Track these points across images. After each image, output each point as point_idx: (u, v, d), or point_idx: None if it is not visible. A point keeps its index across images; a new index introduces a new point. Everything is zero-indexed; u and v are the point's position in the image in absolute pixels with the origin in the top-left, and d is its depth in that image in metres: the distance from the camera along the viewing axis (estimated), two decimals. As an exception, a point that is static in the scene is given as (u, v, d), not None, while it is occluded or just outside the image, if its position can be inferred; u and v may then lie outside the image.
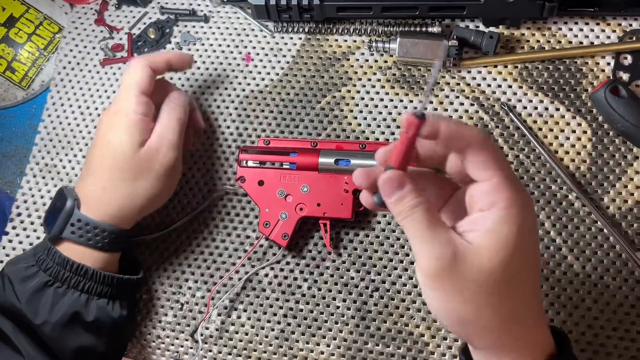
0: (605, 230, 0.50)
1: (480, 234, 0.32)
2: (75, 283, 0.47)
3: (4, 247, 0.57)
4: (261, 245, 0.55)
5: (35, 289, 0.46)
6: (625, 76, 0.54)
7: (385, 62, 0.58)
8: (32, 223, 0.58)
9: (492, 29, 0.57)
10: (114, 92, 0.62)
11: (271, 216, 0.52)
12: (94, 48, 0.64)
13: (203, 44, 0.62)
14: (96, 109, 0.61)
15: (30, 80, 0.63)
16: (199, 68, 0.61)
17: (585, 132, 0.53)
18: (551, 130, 0.54)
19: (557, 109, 0.54)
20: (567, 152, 0.53)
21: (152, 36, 0.63)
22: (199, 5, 0.64)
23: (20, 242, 0.58)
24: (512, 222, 0.32)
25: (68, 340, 0.46)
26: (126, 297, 0.50)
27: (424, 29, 0.57)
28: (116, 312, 0.49)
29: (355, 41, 0.60)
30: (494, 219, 0.32)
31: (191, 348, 0.54)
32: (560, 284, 0.50)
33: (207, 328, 0.54)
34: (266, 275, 0.54)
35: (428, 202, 0.32)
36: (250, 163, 0.53)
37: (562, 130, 0.54)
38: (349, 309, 0.53)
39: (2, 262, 0.57)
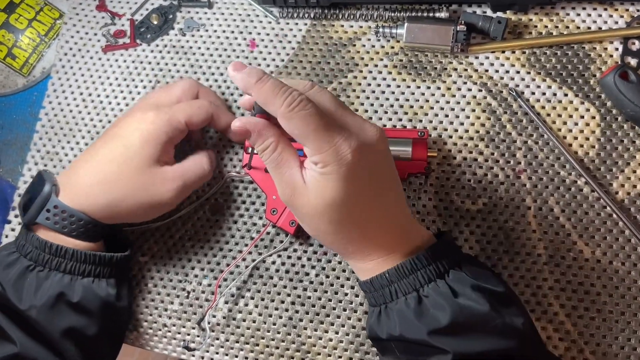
0: (614, 215, 0.50)
1: (311, 178, 0.39)
2: (57, 265, 0.46)
3: (6, 236, 0.57)
4: (268, 233, 0.55)
5: (18, 274, 0.46)
6: (633, 61, 0.54)
7: (392, 47, 0.58)
8: (34, 211, 0.57)
9: (499, 14, 0.56)
10: (117, 78, 0.61)
11: (278, 203, 0.51)
12: (95, 34, 0.63)
13: (207, 30, 0.61)
14: (98, 95, 0.61)
15: (31, 67, 0.62)
16: (202, 54, 0.61)
17: (593, 117, 0.53)
18: (559, 115, 0.54)
19: (566, 95, 0.54)
20: (575, 138, 0.53)
21: (155, 22, 0.62)
22: (202, -10, 0.63)
23: (23, 231, 0.57)
24: (329, 179, 0.38)
25: (56, 322, 0.46)
26: (113, 276, 0.49)
27: (431, 14, 0.57)
28: (103, 290, 0.48)
29: (361, 27, 0.59)
30: (315, 172, 0.39)
31: (198, 336, 0.54)
32: (571, 269, 0.50)
33: (214, 316, 0.53)
34: (273, 262, 0.54)
35: (277, 141, 0.40)
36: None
37: (571, 116, 0.53)
38: (357, 295, 0.52)
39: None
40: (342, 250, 0.43)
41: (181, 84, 0.53)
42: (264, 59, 0.60)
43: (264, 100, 0.39)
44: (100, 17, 0.64)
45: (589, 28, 0.55)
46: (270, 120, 0.41)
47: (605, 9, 0.56)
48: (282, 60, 0.59)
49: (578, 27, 0.56)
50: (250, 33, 0.61)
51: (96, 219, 0.48)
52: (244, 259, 0.54)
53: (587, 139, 0.53)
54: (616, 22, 0.55)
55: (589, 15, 0.56)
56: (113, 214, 0.48)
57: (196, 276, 0.55)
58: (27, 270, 0.46)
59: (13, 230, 0.57)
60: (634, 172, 0.51)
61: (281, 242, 0.54)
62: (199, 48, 0.61)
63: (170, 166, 0.50)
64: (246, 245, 0.55)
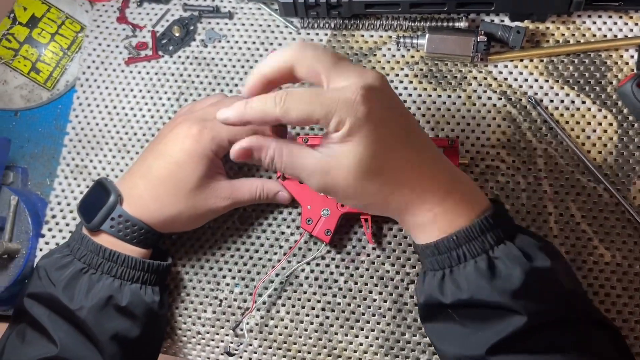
0: (632, 220, 0.52)
1: (333, 145, 0.39)
2: (109, 269, 0.49)
3: (40, 249, 0.58)
4: (296, 241, 0.56)
5: (71, 276, 0.48)
6: (649, 69, 0.55)
7: (412, 57, 0.59)
8: (67, 224, 0.59)
9: (518, 23, 0.58)
10: (140, 90, 0.62)
11: (313, 213, 0.53)
12: (117, 46, 0.64)
13: (228, 41, 0.62)
14: (123, 108, 0.62)
15: (55, 80, 0.63)
16: (225, 66, 0.62)
17: (611, 124, 0.55)
18: (578, 123, 0.55)
19: (583, 102, 0.56)
20: (594, 145, 0.55)
21: (177, 34, 0.63)
22: (221, 1, 0.64)
23: (57, 244, 0.58)
24: (350, 134, 0.38)
25: (104, 323, 0.48)
26: (157, 283, 0.52)
27: (450, 24, 0.58)
28: (149, 297, 0.50)
29: (381, 36, 0.60)
30: (336, 138, 0.39)
31: (231, 343, 0.56)
32: (592, 272, 0.52)
33: (247, 323, 0.55)
34: (302, 270, 0.56)
35: (279, 145, 0.41)
36: None
37: (589, 123, 0.55)
38: (385, 301, 0.54)
39: (38, 262, 0.58)
40: (394, 207, 0.42)
41: (230, 101, 0.53)
42: (286, 70, 0.61)
43: (261, 112, 0.39)
44: (121, 29, 0.64)
45: (605, 36, 0.57)
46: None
47: (621, 17, 0.57)
48: (304, 71, 0.60)
49: (594, 35, 0.57)
50: (271, 44, 0.62)
51: (153, 228, 0.50)
52: (283, 268, 0.56)
53: (605, 145, 0.55)
54: (631, 30, 0.57)
55: (605, 23, 0.57)
56: (168, 225, 0.51)
57: (228, 284, 0.56)
58: (81, 273, 0.48)
59: (47, 243, 0.58)
60: (651, 177, 0.53)
61: (309, 250, 0.56)
62: (221, 59, 0.62)
63: (223, 182, 0.52)
64: (275, 253, 0.56)
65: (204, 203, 0.51)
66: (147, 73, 0.63)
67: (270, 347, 0.55)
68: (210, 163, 0.50)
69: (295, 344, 0.55)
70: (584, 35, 0.57)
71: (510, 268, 0.39)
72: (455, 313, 0.41)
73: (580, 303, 0.41)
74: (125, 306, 0.49)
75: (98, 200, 0.50)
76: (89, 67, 0.63)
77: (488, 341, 0.39)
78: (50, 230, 0.59)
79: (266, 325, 0.55)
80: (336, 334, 0.54)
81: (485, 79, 0.57)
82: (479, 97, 0.57)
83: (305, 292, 0.55)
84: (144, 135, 0.61)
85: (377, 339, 0.54)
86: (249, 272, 0.56)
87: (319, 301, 0.55)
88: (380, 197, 0.41)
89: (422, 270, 0.45)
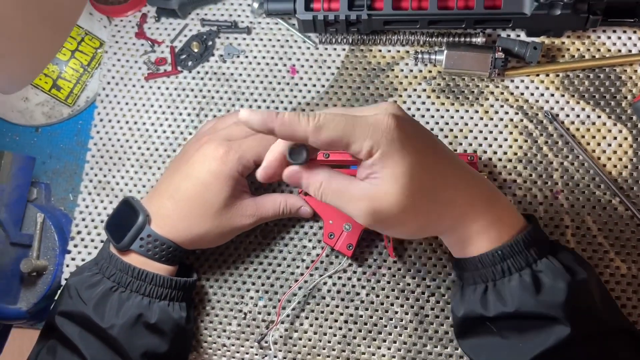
0: (647, 233, 0.54)
1: (375, 174, 0.40)
2: (138, 287, 0.50)
3: (67, 265, 0.59)
4: (317, 254, 0.57)
5: (102, 294, 0.49)
6: (662, 83, 0.57)
7: (430, 72, 0.60)
8: (92, 240, 0.60)
9: (534, 38, 0.58)
10: (160, 106, 0.63)
11: (335, 227, 0.54)
12: (136, 62, 0.64)
13: (247, 57, 0.63)
14: (144, 124, 0.62)
15: (75, 97, 0.64)
16: (244, 81, 0.62)
17: (626, 138, 0.56)
18: (593, 137, 0.56)
19: (599, 117, 0.57)
20: (609, 159, 0.56)
21: (196, 50, 0.63)
22: (239, 16, 0.65)
23: (83, 260, 0.59)
24: (389, 156, 0.39)
25: (135, 341, 0.49)
26: (184, 299, 0.53)
27: (467, 39, 0.59)
28: (177, 313, 0.52)
29: (399, 51, 0.61)
30: (375, 165, 0.39)
31: (256, 355, 0.57)
32: (609, 284, 0.54)
33: (272, 336, 0.57)
34: (325, 283, 0.57)
35: (327, 176, 0.41)
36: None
37: (604, 137, 0.56)
38: (406, 313, 0.56)
39: (67, 280, 0.59)
40: (447, 225, 0.43)
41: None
42: (305, 85, 0.62)
43: (290, 128, 0.39)
44: (139, 44, 0.65)
45: (620, 51, 0.58)
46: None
47: (635, 32, 0.58)
48: (323, 86, 0.61)
49: (609, 50, 0.58)
50: (290, 59, 0.62)
51: (181, 246, 0.51)
52: (305, 281, 0.57)
53: (620, 159, 0.56)
54: (646, 45, 0.58)
55: (619, 38, 0.58)
56: (195, 243, 0.52)
57: (252, 298, 0.58)
58: (110, 291, 0.50)
59: (73, 259, 0.59)
60: (665, 190, 0.55)
61: (331, 263, 0.57)
62: (240, 75, 0.63)
63: (248, 200, 0.53)
64: (298, 267, 0.58)
65: (230, 222, 0.52)
66: (167, 88, 0.63)
67: (294, 359, 0.56)
68: (236, 183, 0.51)
69: (319, 355, 0.56)
70: (599, 50, 0.58)
71: (554, 281, 0.41)
72: (494, 325, 0.42)
73: (615, 313, 0.43)
74: (155, 323, 0.50)
75: (126, 219, 0.51)
76: (108, 83, 0.64)
77: (531, 352, 0.40)
78: (76, 246, 0.60)
79: (290, 338, 0.57)
80: (359, 345, 0.56)
81: (502, 93, 0.58)
82: (496, 112, 0.58)
83: (327, 305, 0.57)
84: (165, 150, 0.62)
85: (399, 350, 0.55)
86: (272, 285, 0.58)
87: (341, 314, 0.56)
88: (435, 216, 0.42)
89: (459, 285, 0.47)
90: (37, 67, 0.47)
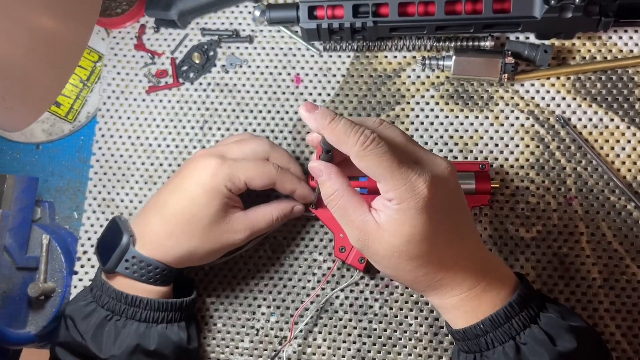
0: (664, 238, 0.53)
1: (384, 217, 0.40)
2: (133, 314, 0.49)
3: (75, 287, 0.58)
4: (328, 268, 0.57)
5: (97, 324, 0.48)
6: (676, 84, 0.55)
7: (438, 77, 0.59)
8: (99, 260, 0.59)
9: (544, 41, 0.57)
10: (163, 120, 0.61)
11: (346, 241, 0.53)
12: (136, 75, 0.63)
13: (250, 66, 0.62)
14: (147, 138, 0.61)
15: (76, 113, 0.62)
16: (248, 92, 0.61)
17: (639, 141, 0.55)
18: (607, 141, 0.55)
19: (612, 120, 0.56)
20: (623, 162, 0.55)
21: (197, 61, 0.62)
22: (240, 24, 0.63)
23: (90, 280, 0.58)
24: (405, 215, 0.39)
25: None
26: (183, 319, 0.52)
27: (476, 43, 0.57)
28: (176, 335, 0.51)
29: (405, 57, 0.60)
30: (389, 211, 0.40)
31: (270, 371, 0.56)
32: (625, 291, 0.53)
33: (285, 352, 0.56)
34: (337, 297, 0.56)
35: (344, 187, 0.41)
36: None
37: (618, 141, 0.55)
38: (421, 325, 0.55)
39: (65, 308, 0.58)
40: (423, 287, 0.43)
41: (254, 144, 0.52)
42: (310, 94, 0.60)
43: (337, 140, 0.40)
44: (139, 56, 0.64)
45: (631, 51, 0.57)
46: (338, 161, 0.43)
47: (647, 31, 0.57)
48: (329, 95, 0.60)
49: (621, 51, 0.57)
50: (293, 68, 0.61)
51: (170, 266, 0.50)
52: (317, 295, 0.56)
53: (635, 163, 0.55)
54: (658, 44, 0.56)
55: (631, 38, 0.57)
56: (185, 262, 0.51)
57: (263, 314, 0.57)
58: (106, 320, 0.48)
59: (81, 280, 0.58)
60: (681, 194, 0.54)
61: (342, 277, 0.56)
62: (244, 85, 0.61)
63: (238, 214, 0.51)
64: (309, 281, 0.57)
65: (220, 238, 0.50)
66: (169, 101, 0.62)
67: (309, 374, 0.56)
68: (226, 198, 0.49)
69: (333, 370, 0.56)
70: (610, 51, 0.57)
71: (536, 354, 0.40)
72: None
73: None
74: (154, 350, 0.49)
75: (112, 240, 0.50)
76: (109, 98, 0.63)
77: None
78: (82, 266, 0.59)
79: (304, 353, 0.56)
80: (374, 359, 0.55)
81: (512, 98, 0.57)
82: (507, 118, 0.57)
83: (341, 319, 0.56)
84: (169, 165, 0.60)
85: (414, 363, 0.55)
86: (283, 300, 0.57)
87: (355, 327, 0.56)
88: (411, 276, 0.42)
89: (456, 347, 0.47)
90: (40, 108, 0.46)
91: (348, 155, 0.40)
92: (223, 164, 0.49)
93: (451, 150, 0.57)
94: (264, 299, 0.57)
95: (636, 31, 0.57)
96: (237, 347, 0.57)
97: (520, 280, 0.45)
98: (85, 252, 0.59)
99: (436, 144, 0.57)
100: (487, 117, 0.57)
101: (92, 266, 0.59)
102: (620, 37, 0.57)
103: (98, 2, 0.46)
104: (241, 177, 0.50)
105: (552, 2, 0.52)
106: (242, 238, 0.51)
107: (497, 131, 0.57)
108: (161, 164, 0.61)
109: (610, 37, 0.57)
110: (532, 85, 0.57)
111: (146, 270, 0.49)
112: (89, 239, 0.59)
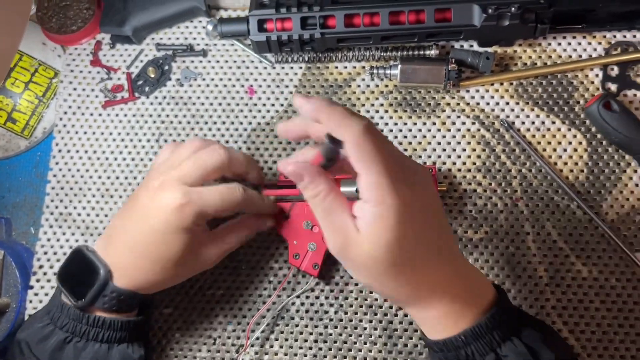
0: (605, 235, 0.55)
1: (364, 223, 0.38)
2: (94, 335, 0.48)
3: (30, 301, 0.58)
4: (284, 275, 0.57)
5: (54, 347, 0.47)
6: (613, 87, 0.58)
7: (386, 86, 0.60)
8: (55, 274, 0.59)
9: (486, 48, 0.59)
10: (119, 134, 0.62)
11: (300, 248, 0.54)
12: (92, 90, 0.64)
13: (204, 79, 0.63)
14: (103, 152, 0.62)
15: (32, 129, 0.63)
16: (203, 104, 0.62)
17: (580, 142, 0.57)
18: (549, 143, 0.57)
19: (553, 122, 0.58)
20: (565, 164, 0.57)
21: (152, 75, 0.63)
22: (194, 39, 0.65)
23: (46, 294, 0.58)
24: (385, 218, 0.37)
25: None
26: (143, 337, 0.52)
27: (421, 52, 0.59)
28: (136, 353, 0.50)
29: (354, 67, 0.61)
30: (369, 214, 0.38)
31: (228, 380, 0.57)
32: (571, 288, 0.54)
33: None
34: (293, 303, 0.57)
35: (329, 188, 0.39)
36: (273, 198, 0.55)
37: (560, 143, 0.57)
38: (375, 329, 0.56)
39: (30, 315, 0.58)
40: (402, 298, 0.42)
41: (211, 157, 0.49)
42: (264, 105, 0.62)
43: (337, 122, 0.38)
44: (95, 72, 0.64)
45: (570, 56, 0.59)
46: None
47: (584, 37, 0.59)
48: (282, 105, 0.61)
49: (560, 57, 0.59)
50: (247, 80, 0.62)
51: (140, 293, 0.49)
52: (273, 303, 0.57)
53: (576, 164, 0.57)
54: (595, 49, 0.59)
55: (569, 44, 0.59)
56: (155, 289, 0.51)
57: (220, 323, 0.57)
58: (65, 343, 0.47)
59: (36, 294, 0.58)
60: (621, 192, 0.56)
61: (298, 283, 0.57)
62: (198, 98, 0.63)
63: (207, 245, 0.50)
64: (265, 288, 0.57)
65: (190, 271, 0.51)
66: (125, 115, 0.63)
67: (266, 382, 0.56)
68: (194, 234, 0.48)
69: (290, 376, 0.56)
70: (550, 57, 0.59)
71: None
72: None
73: None
74: None
75: (85, 275, 0.48)
76: (65, 113, 0.63)
77: None
78: (38, 281, 0.59)
79: (261, 361, 0.56)
80: (330, 364, 0.56)
81: (458, 104, 0.59)
82: (453, 123, 0.59)
83: (297, 325, 0.56)
84: (126, 178, 0.61)
85: (370, 366, 0.55)
86: (240, 309, 0.57)
87: (311, 333, 0.56)
88: (392, 284, 0.40)
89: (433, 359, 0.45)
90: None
91: (343, 140, 0.37)
92: (189, 203, 0.47)
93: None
94: (221, 308, 0.57)
95: (574, 37, 0.59)
96: (195, 357, 0.57)
97: (498, 292, 0.44)
98: (41, 267, 0.59)
99: (386, 150, 0.59)
100: (434, 123, 0.59)
101: (48, 280, 0.59)
102: (559, 44, 0.59)
103: (27, 10, 0.45)
104: (210, 211, 0.48)
105: (490, 10, 0.54)
106: (213, 261, 0.51)
107: (444, 136, 0.59)
108: (117, 177, 0.61)
109: (549, 44, 0.59)
110: (477, 91, 0.59)
111: (118, 301, 0.48)
112: (45, 253, 0.59)
